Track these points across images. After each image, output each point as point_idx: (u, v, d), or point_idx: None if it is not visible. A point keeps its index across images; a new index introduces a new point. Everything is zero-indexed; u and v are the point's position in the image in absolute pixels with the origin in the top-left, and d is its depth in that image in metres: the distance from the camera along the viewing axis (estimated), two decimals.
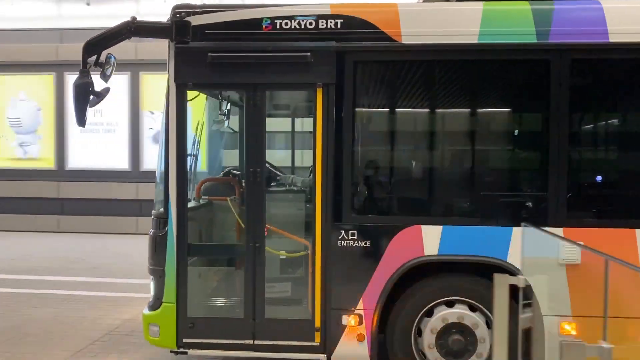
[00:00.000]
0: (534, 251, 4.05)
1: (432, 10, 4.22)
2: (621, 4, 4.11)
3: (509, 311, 3.45)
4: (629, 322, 3.95)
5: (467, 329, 4.15)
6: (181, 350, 4.31)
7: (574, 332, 4.04)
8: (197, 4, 4.32)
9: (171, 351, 4.35)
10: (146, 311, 4.42)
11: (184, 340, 4.30)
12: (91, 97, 4.08)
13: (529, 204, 4.20)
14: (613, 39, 3.99)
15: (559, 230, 4.01)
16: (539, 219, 4.04)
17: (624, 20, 4.00)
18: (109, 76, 4.21)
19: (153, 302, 4.39)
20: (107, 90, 4.27)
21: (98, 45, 4.09)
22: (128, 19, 4.15)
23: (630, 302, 3.77)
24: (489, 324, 4.13)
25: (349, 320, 4.18)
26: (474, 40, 4.06)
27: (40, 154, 12.87)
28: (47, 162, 12.78)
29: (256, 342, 4.26)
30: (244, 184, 5.00)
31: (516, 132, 4.48)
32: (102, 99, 4.26)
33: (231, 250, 4.75)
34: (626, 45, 3.98)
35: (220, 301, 4.54)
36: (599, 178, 4.30)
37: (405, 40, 4.09)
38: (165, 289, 4.30)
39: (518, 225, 4.03)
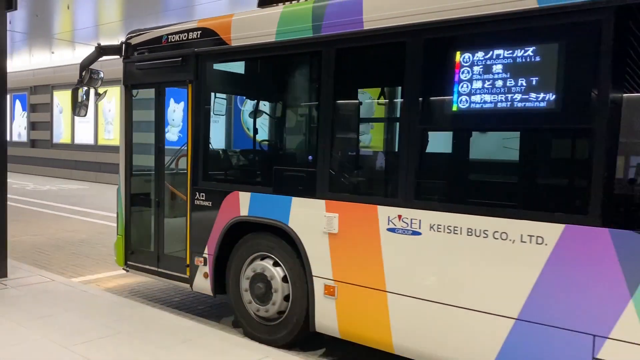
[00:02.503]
0: (307, 219, 4.65)
1: (252, 15, 5.05)
2: None
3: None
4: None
5: (267, 280, 4.95)
6: (126, 269, 6.28)
7: (333, 296, 4.50)
8: (144, 29, 6.15)
9: (122, 268, 6.36)
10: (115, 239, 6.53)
11: (128, 262, 6.25)
12: (84, 97, 6.36)
13: (304, 177, 4.69)
14: (367, 26, 4.22)
15: (321, 202, 4.50)
16: (310, 192, 4.59)
17: (378, 6, 4.17)
18: (98, 81, 6.41)
19: (116, 234, 6.46)
20: (104, 92, 6.53)
21: (85, 64, 6.33)
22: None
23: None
24: (286, 278, 4.86)
25: (198, 261, 5.46)
26: (272, 39, 4.82)
27: None
28: None
29: (159, 269, 5.92)
30: None
31: (300, 116, 4.94)
32: (101, 99, 6.56)
33: (151, 203, 6.28)
34: (376, 32, 4.17)
35: (147, 237, 6.27)
36: (353, 158, 4.48)
37: (234, 43, 5.11)
38: (119, 225, 6.33)
39: (296, 195, 4.68)
